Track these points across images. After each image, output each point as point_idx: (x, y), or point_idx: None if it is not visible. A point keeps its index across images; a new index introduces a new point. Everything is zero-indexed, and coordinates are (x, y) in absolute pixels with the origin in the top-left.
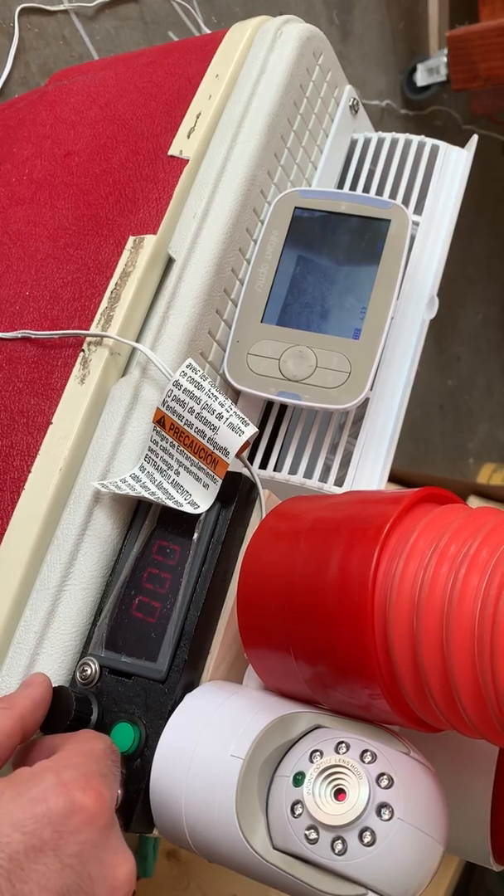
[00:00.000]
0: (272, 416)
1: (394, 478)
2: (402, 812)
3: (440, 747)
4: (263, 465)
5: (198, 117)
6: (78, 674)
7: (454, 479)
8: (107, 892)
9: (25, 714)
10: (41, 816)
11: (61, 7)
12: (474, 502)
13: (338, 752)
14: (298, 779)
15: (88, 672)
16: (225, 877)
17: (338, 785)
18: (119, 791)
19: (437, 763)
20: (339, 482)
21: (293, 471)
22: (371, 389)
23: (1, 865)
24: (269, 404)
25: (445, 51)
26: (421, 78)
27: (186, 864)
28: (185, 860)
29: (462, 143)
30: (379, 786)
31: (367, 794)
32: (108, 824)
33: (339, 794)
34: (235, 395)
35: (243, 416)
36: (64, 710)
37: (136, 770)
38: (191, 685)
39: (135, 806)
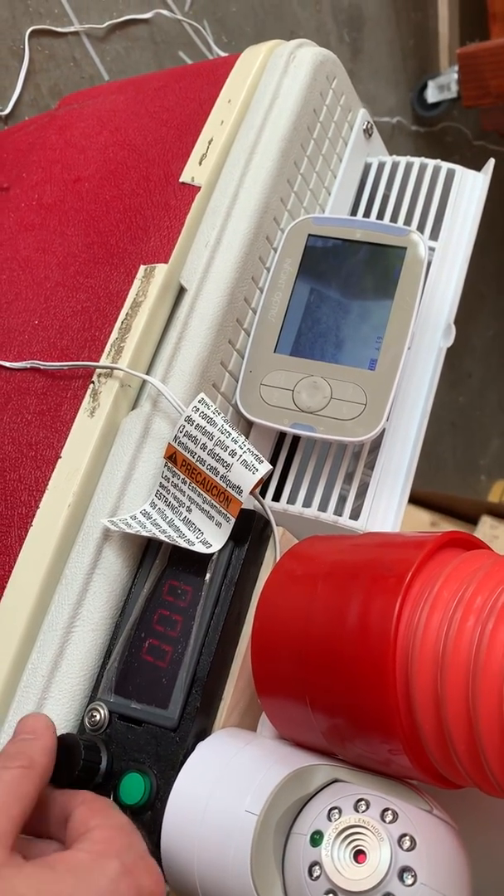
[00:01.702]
0: (285, 447)
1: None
2: (426, 876)
3: (463, 803)
4: (276, 498)
5: (210, 143)
6: (86, 720)
7: (467, 497)
8: None
9: (45, 773)
10: None
11: (72, 28)
12: (488, 521)
13: (357, 811)
14: (316, 838)
15: (97, 718)
16: None
17: (358, 846)
18: None
19: (459, 820)
20: (355, 515)
21: (307, 503)
22: (387, 421)
23: None
24: (283, 435)
25: (456, 68)
26: (431, 95)
27: None
28: None
29: (473, 160)
30: (401, 848)
31: (389, 856)
32: None
33: (359, 855)
34: (248, 427)
35: (257, 454)
36: (73, 760)
37: (146, 823)
38: (203, 733)
39: None
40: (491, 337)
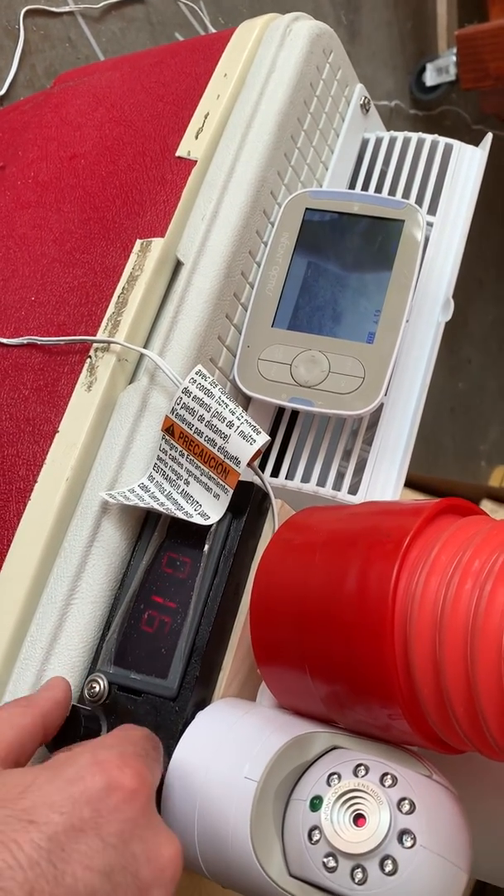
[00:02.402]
0: (283, 422)
1: (406, 482)
2: (425, 839)
3: (463, 769)
4: (275, 473)
5: (206, 117)
6: (86, 691)
7: (466, 482)
8: (152, 872)
9: (47, 714)
10: (78, 796)
11: (67, 9)
12: (487, 506)
13: (357, 776)
14: (316, 803)
15: (97, 689)
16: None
17: (357, 810)
18: (161, 774)
19: (459, 785)
20: (353, 490)
21: (306, 478)
22: (386, 395)
23: (41, 847)
24: (281, 410)
25: (454, 50)
26: (430, 78)
27: (198, 877)
28: (196, 880)
29: (472, 143)
30: (400, 811)
31: (389, 819)
32: (148, 804)
33: (359, 819)
34: (246, 402)
35: (255, 425)
36: (72, 729)
37: None
38: (203, 702)
39: None
40: (490, 322)
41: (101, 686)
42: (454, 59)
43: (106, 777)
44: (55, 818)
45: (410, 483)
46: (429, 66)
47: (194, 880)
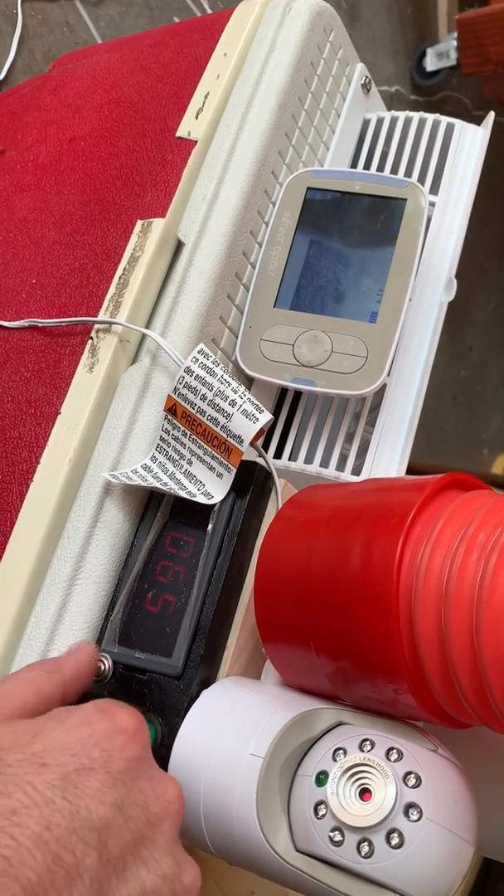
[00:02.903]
0: (286, 404)
1: (408, 469)
2: (431, 812)
3: (469, 744)
4: (278, 455)
5: (206, 97)
6: None
7: (469, 469)
8: (160, 806)
9: (69, 681)
10: (87, 738)
11: None
12: None
13: (362, 750)
14: (321, 778)
15: (102, 668)
16: (243, 875)
17: (363, 784)
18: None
19: (466, 760)
20: (357, 471)
21: (309, 460)
22: (388, 375)
23: (54, 786)
24: (284, 391)
25: (455, 35)
26: (430, 63)
27: (204, 862)
28: (202, 857)
29: None
30: (406, 785)
31: (395, 793)
32: (148, 746)
33: (365, 793)
34: (248, 383)
35: (257, 403)
36: None
37: None
38: (207, 681)
39: None
40: (492, 310)
41: (107, 665)
42: (455, 43)
43: (111, 720)
44: (66, 759)
45: (412, 471)
46: (429, 51)
47: (200, 864)
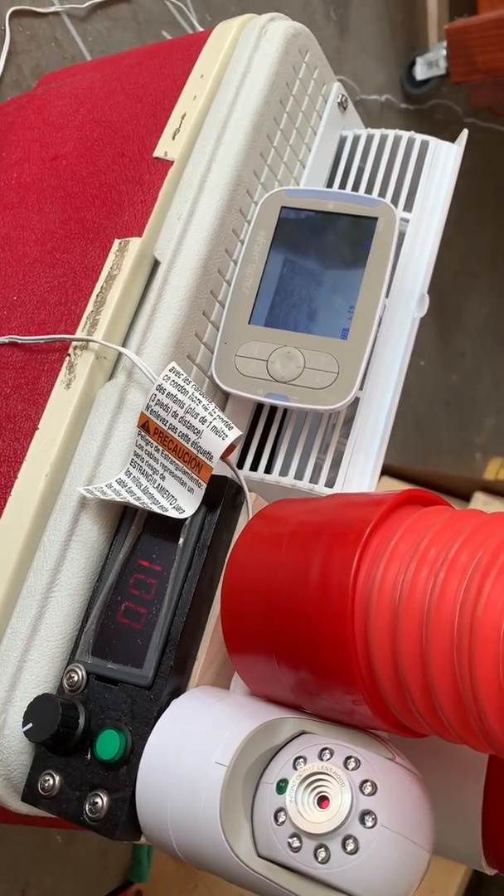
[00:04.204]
0: (262, 418)
1: (400, 475)
2: (386, 819)
3: (429, 752)
4: (254, 467)
5: (182, 118)
6: (65, 681)
7: (461, 475)
8: None
9: None
10: None
11: (53, 9)
12: (481, 498)
13: (321, 759)
14: (282, 786)
15: (75, 679)
16: None
17: (321, 792)
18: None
19: (425, 768)
20: (330, 483)
21: (284, 472)
22: (360, 389)
23: None
24: (260, 406)
25: (445, 44)
26: (420, 72)
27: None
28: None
29: None
30: (362, 793)
31: (350, 801)
32: None
33: (323, 801)
34: (224, 398)
35: (227, 420)
36: (51, 717)
37: (122, 777)
38: (177, 691)
39: (121, 813)
40: (484, 315)
41: (80, 676)
42: (444, 52)
43: None
44: None
45: (405, 476)
46: (419, 60)
47: (190, 868)
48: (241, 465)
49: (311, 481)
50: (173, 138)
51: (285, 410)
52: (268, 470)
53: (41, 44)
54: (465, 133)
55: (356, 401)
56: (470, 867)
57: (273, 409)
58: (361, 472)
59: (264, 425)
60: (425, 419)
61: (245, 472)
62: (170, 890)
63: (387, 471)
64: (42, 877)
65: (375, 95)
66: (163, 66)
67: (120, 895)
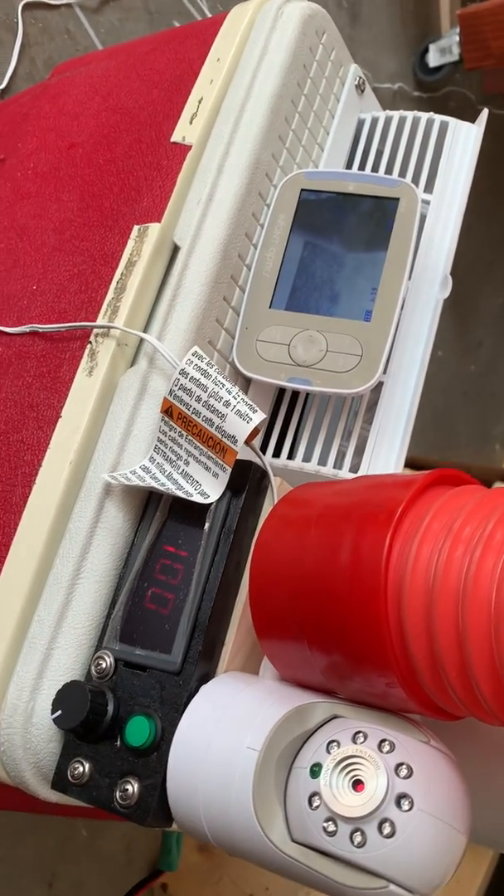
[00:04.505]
0: (285, 403)
1: (418, 466)
2: (423, 802)
3: (463, 735)
4: (277, 454)
5: (200, 102)
6: (93, 668)
7: (480, 465)
8: None
9: None
10: None
11: (64, 1)
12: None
13: (355, 742)
14: (315, 770)
15: (103, 666)
16: (258, 871)
17: (356, 776)
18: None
19: (460, 752)
20: (354, 469)
21: (307, 458)
22: (384, 372)
23: None
24: (282, 391)
25: (457, 30)
26: (433, 59)
27: (219, 858)
28: (217, 853)
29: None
30: (398, 776)
31: (386, 784)
32: None
33: (357, 784)
34: (246, 383)
35: (251, 403)
36: (80, 704)
37: (152, 763)
38: (206, 677)
39: (152, 800)
40: (501, 305)
41: (108, 663)
42: (457, 38)
43: None
44: None
45: (424, 467)
46: (431, 47)
47: (215, 861)
48: (263, 450)
49: (335, 467)
50: (191, 123)
51: (308, 395)
52: (290, 456)
53: (54, 36)
54: (485, 112)
55: (380, 385)
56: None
57: (295, 394)
58: (386, 457)
59: (287, 411)
60: (443, 410)
61: (268, 458)
62: (195, 882)
63: (406, 462)
64: (68, 869)
65: (388, 84)
66: (178, 50)
67: (148, 885)
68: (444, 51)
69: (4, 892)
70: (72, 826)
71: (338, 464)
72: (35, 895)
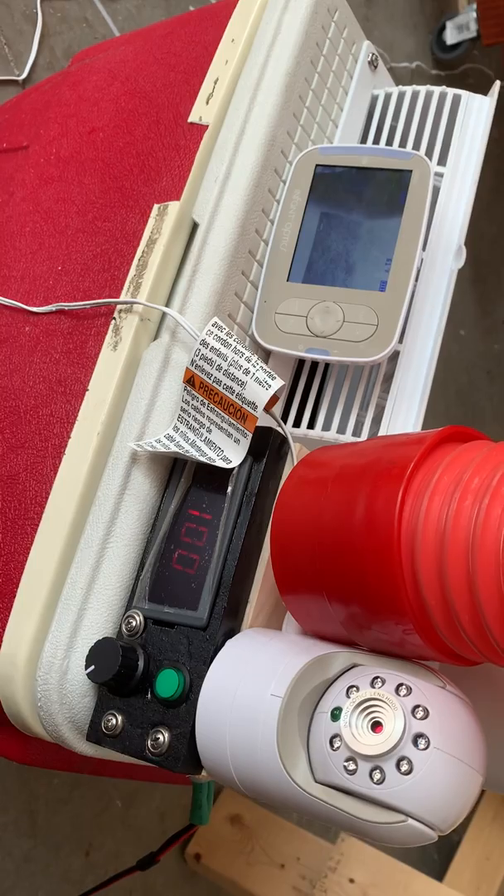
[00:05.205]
0: (304, 374)
1: None
2: (439, 741)
3: (479, 681)
4: (297, 423)
5: (215, 83)
6: (124, 626)
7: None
8: None
9: None
10: None
11: None
12: None
13: (373, 687)
14: (336, 713)
15: (133, 624)
16: (289, 841)
17: (374, 717)
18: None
19: (479, 699)
20: (373, 437)
21: (326, 427)
22: (400, 342)
23: None
24: (301, 363)
25: (474, 6)
26: (450, 36)
27: (250, 829)
28: (248, 825)
29: (497, 102)
30: (415, 717)
31: (403, 724)
32: None
33: (377, 726)
34: (266, 355)
35: (270, 371)
36: (112, 658)
37: (182, 714)
38: (231, 632)
39: (182, 748)
40: None
41: (138, 621)
42: (474, 15)
43: None
44: None
45: None
46: (449, 24)
47: (246, 832)
48: (284, 420)
49: (353, 435)
50: (207, 103)
51: (327, 366)
52: (311, 426)
53: (72, 25)
54: (497, 84)
55: (396, 355)
56: None
57: (314, 365)
58: (403, 425)
59: (306, 382)
60: (467, 389)
61: (288, 427)
62: (228, 854)
63: None
64: (104, 839)
65: (405, 62)
66: (194, 33)
67: (180, 839)
68: (461, 27)
69: (44, 860)
70: (107, 797)
71: (356, 432)
72: (73, 863)
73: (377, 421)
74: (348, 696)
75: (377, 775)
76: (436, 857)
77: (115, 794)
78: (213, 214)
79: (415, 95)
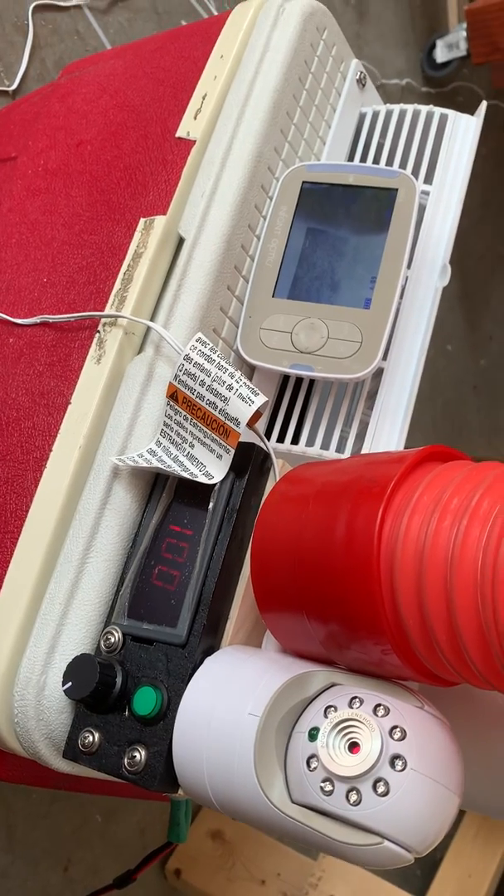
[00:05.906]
0: (288, 391)
1: None
2: (416, 763)
3: (460, 704)
4: (281, 439)
5: (204, 98)
6: (102, 642)
7: (490, 457)
8: None
9: None
10: None
11: (74, 2)
12: None
13: (351, 707)
14: (313, 733)
15: (112, 640)
16: (270, 857)
17: (352, 738)
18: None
19: (458, 719)
20: (356, 453)
21: (310, 443)
22: (384, 359)
23: None
24: (286, 379)
25: (465, 25)
26: (441, 54)
27: (231, 845)
28: (229, 840)
29: (486, 119)
30: (392, 738)
31: (380, 745)
32: None
33: (354, 747)
34: (250, 371)
35: (253, 387)
36: (90, 675)
37: (159, 732)
38: (211, 649)
39: (159, 766)
40: None
41: (117, 637)
42: (464, 34)
43: None
44: None
45: None
46: (439, 43)
47: (227, 847)
48: (268, 436)
49: (337, 451)
50: (195, 118)
51: (311, 382)
52: (294, 441)
53: (63, 37)
54: (483, 105)
55: (380, 372)
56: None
57: (299, 380)
58: (387, 442)
59: (290, 397)
60: (454, 403)
61: (272, 443)
62: (208, 869)
63: None
64: (83, 854)
65: (396, 79)
66: (183, 48)
67: (157, 857)
68: (451, 46)
69: (21, 876)
70: (86, 812)
71: (340, 448)
72: (51, 879)
73: (361, 437)
74: (326, 716)
75: (354, 797)
76: (418, 872)
77: (95, 809)
78: (199, 229)
79: (402, 114)
